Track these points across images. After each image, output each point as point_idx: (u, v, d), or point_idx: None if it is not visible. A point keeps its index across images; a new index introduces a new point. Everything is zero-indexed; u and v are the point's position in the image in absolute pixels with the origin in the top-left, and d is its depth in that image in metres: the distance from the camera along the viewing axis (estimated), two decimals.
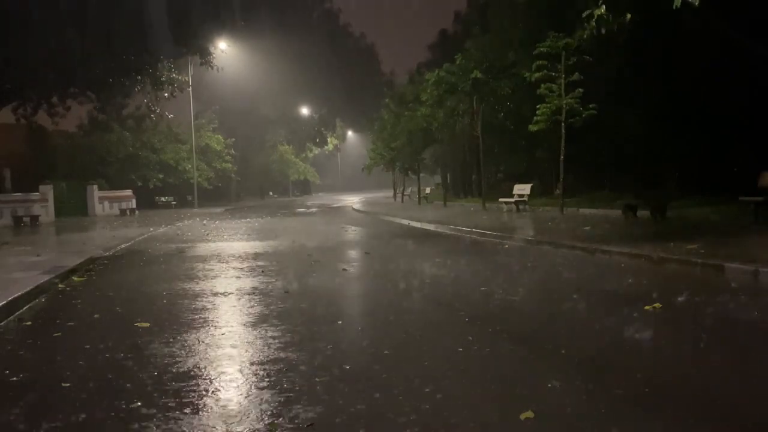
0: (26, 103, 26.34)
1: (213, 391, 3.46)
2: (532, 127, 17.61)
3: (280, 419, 3.02)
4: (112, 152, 34.43)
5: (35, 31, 19.88)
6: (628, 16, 8.51)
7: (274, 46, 36.99)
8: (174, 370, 3.87)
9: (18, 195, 24.45)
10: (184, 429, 2.95)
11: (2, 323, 5.48)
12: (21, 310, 6.04)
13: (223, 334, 4.85)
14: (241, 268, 8.71)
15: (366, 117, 43.05)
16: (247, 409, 3.18)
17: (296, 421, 2.99)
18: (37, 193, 24.82)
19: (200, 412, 3.15)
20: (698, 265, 7.18)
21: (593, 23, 8.90)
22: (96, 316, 5.80)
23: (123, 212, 28.70)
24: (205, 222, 21.61)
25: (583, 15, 9.24)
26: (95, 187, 29.00)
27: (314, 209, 32.14)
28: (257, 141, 53.44)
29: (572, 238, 10.38)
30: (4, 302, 5.80)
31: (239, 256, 10.23)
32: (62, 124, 28.94)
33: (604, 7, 8.56)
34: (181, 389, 3.50)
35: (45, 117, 27.45)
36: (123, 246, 12.68)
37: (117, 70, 23.31)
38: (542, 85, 16.94)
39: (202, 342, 4.60)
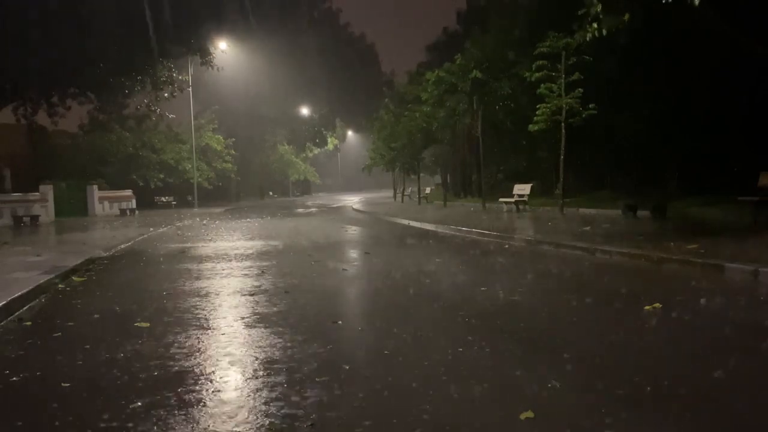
0: (26, 103, 26.32)
1: (213, 392, 3.46)
2: (532, 127, 17.61)
3: (281, 419, 3.02)
4: (112, 152, 34.45)
5: (35, 32, 19.87)
6: (626, 16, 8.52)
7: (274, 46, 36.99)
8: (174, 371, 3.87)
9: (18, 195, 24.43)
10: (184, 429, 2.95)
11: (2, 323, 5.48)
12: (21, 310, 6.04)
13: (223, 334, 4.85)
14: (241, 268, 8.71)
15: (366, 117, 43.08)
16: (248, 410, 3.18)
17: (296, 421, 2.99)
18: (37, 193, 24.81)
19: (200, 413, 3.15)
20: (698, 265, 7.18)
21: (594, 25, 8.91)
22: (96, 316, 5.80)
23: (123, 212, 28.71)
24: (205, 222, 21.62)
25: (580, 12, 9.25)
26: (95, 187, 29.00)
27: (314, 209, 32.14)
28: (257, 141, 53.47)
29: (572, 238, 10.38)
30: (4, 302, 5.79)
31: (239, 256, 10.23)
32: (62, 124, 28.97)
33: (600, 6, 8.58)
34: (181, 389, 3.50)
35: (45, 117, 27.49)
36: (123, 246, 12.68)
37: (117, 70, 23.29)
38: (542, 85, 16.94)
39: (202, 342, 4.60)
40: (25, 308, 6.16)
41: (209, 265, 9.26)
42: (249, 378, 3.70)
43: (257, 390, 3.47)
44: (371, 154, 37.17)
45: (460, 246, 11.53)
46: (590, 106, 16.31)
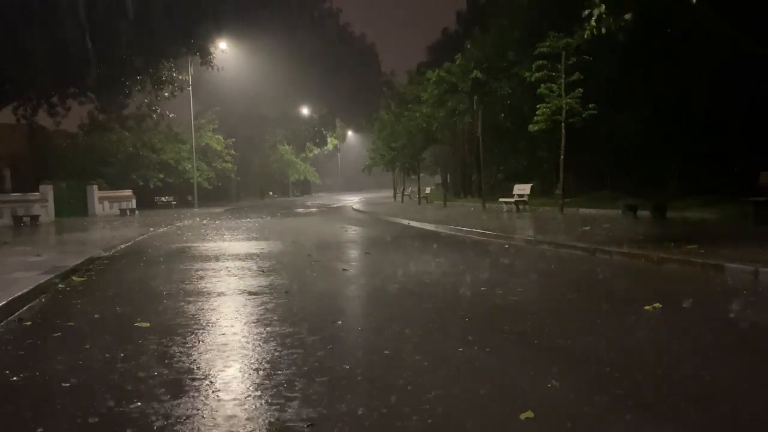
0: (26, 103, 26.35)
1: (213, 392, 3.46)
2: (532, 127, 17.61)
3: (281, 420, 3.02)
4: (112, 152, 34.46)
5: (35, 32, 19.87)
6: (629, 16, 8.50)
7: (274, 46, 36.99)
8: (174, 370, 3.87)
9: (18, 195, 24.45)
10: (184, 429, 2.95)
11: (2, 323, 5.48)
12: (21, 310, 6.04)
13: (222, 334, 4.85)
14: (241, 269, 8.71)
15: (366, 117, 43.06)
16: (247, 410, 3.17)
17: (296, 421, 2.99)
18: (37, 193, 24.83)
19: (200, 413, 3.15)
20: (698, 265, 7.19)
21: (593, 23, 8.89)
22: (96, 316, 5.80)
23: (123, 212, 28.72)
24: (205, 222, 21.62)
25: (583, 15, 9.23)
26: (95, 187, 29.02)
27: (314, 209, 32.14)
28: (257, 141, 53.47)
29: (572, 238, 10.38)
30: (4, 302, 5.80)
31: (239, 256, 10.23)
32: (63, 124, 29.02)
33: (603, 6, 8.55)
34: (181, 389, 3.50)
35: (45, 117, 27.53)
36: (123, 246, 12.68)
37: (117, 69, 23.31)
38: (542, 85, 16.94)
39: (202, 342, 4.60)
40: (25, 308, 6.16)
41: (209, 265, 9.26)
42: (249, 378, 3.70)
43: (257, 390, 3.46)
44: (371, 154, 37.16)
45: (460, 246, 11.53)
46: (590, 106, 16.31)
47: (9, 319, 5.66)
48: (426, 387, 3.42)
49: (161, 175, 36.39)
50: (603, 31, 8.99)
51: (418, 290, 6.83)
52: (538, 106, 17.29)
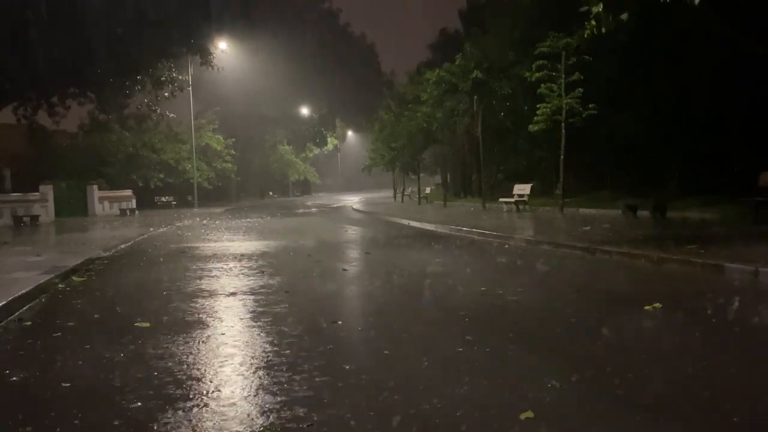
0: (26, 103, 26.34)
1: (213, 391, 3.46)
2: (532, 127, 17.62)
3: (280, 419, 3.02)
4: (112, 152, 34.44)
5: (35, 32, 19.88)
6: (625, 15, 8.50)
7: (274, 46, 37.00)
8: (174, 371, 3.87)
9: (18, 195, 24.45)
10: (184, 429, 2.95)
11: (2, 323, 5.48)
12: (21, 310, 6.04)
13: (222, 334, 4.85)
14: (242, 268, 8.71)
15: (366, 117, 43.06)
16: (247, 410, 3.18)
17: (296, 421, 2.99)
18: (37, 193, 24.83)
19: (200, 413, 3.15)
20: (698, 265, 7.18)
21: (593, 22, 8.89)
22: (96, 316, 5.80)
23: (123, 212, 28.72)
24: (205, 222, 21.61)
25: (581, 9, 9.23)
26: (95, 187, 29.02)
27: (314, 209, 32.14)
28: (257, 141, 53.44)
29: (572, 238, 10.38)
30: (4, 302, 5.79)
31: (239, 256, 10.23)
32: (63, 124, 29.01)
33: (602, 5, 8.55)
34: (181, 389, 3.50)
35: (45, 117, 27.53)
36: (123, 246, 12.68)
37: (117, 70, 23.31)
38: (542, 85, 16.95)
39: (202, 342, 4.60)
40: (25, 308, 6.16)
41: (209, 264, 9.25)
42: (249, 378, 3.70)
43: (257, 390, 3.46)
44: (371, 154, 37.16)
45: (459, 246, 11.53)
46: (590, 106, 16.32)
47: (9, 319, 5.66)
48: (426, 387, 3.42)
49: (161, 175, 36.38)
50: (603, 30, 8.98)
51: (418, 290, 6.83)
52: (538, 106, 17.30)
